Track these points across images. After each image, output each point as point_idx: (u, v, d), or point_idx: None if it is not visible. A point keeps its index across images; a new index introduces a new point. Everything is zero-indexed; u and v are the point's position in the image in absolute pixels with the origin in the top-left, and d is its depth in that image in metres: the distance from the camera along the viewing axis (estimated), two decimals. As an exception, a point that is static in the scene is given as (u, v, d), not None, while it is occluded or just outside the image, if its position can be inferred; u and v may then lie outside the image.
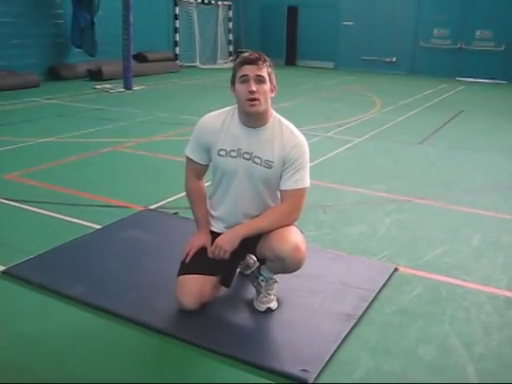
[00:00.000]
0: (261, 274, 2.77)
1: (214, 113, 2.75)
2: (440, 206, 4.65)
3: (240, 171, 2.63)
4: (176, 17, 15.83)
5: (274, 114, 2.69)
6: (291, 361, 2.35)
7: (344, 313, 2.75)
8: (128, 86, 10.92)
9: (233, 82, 2.59)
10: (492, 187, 5.26)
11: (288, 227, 2.62)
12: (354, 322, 2.68)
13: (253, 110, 2.52)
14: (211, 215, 2.82)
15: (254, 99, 2.49)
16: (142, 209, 4.21)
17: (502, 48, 15.63)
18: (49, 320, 2.69)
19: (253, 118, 2.58)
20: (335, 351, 2.46)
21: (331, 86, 13.40)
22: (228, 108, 2.73)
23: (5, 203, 4.29)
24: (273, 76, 2.60)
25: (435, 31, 16.56)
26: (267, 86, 2.54)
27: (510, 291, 3.16)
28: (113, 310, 2.70)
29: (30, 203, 4.28)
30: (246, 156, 2.62)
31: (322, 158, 6.10)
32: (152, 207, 4.27)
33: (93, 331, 2.60)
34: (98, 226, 3.79)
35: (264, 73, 2.53)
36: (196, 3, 16.43)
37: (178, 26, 15.92)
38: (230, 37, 18.34)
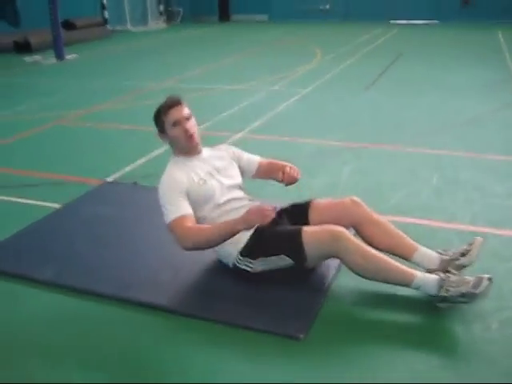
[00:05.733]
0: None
1: (168, 172, 2.67)
2: (396, 150, 4.72)
3: (222, 186, 2.70)
4: (100, -22, 15.14)
5: None
6: (282, 319, 2.35)
7: (324, 262, 2.75)
8: (60, 56, 10.42)
9: (162, 131, 2.70)
10: (443, 127, 5.38)
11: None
12: (334, 271, 2.70)
13: (195, 143, 2.71)
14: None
15: (192, 135, 2.67)
16: (99, 182, 4.07)
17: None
18: (22, 307, 2.58)
19: (196, 148, 2.75)
20: (322, 303, 2.48)
21: (269, 39, 13.24)
22: (170, 163, 2.73)
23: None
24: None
25: (365, -24, 16.56)
26: (194, 120, 2.72)
27: (475, 226, 3.27)
28: (87, 289, 2.61)
29: (-22, 188, 4.05)
30: (214, 173, 2.73)
31: (272, 112, 6.06)
32: (109, 179, 4.14)
33: (70, 312, 2.51)
34: (57, 205, 3.64)
35: (188, 110, 2.71)
36: (120, -38, 15.72)
37: (103, -13, 15.26)
38: (160, -5, 17.73)
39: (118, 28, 15.52)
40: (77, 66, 9.84)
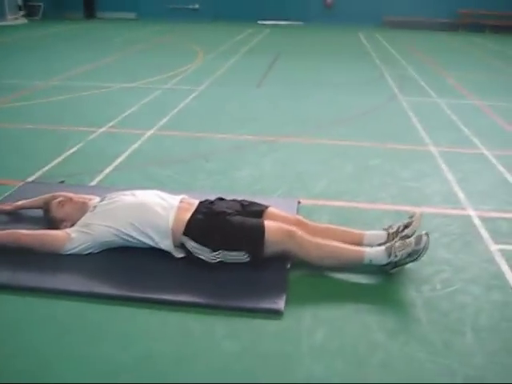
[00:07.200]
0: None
1: None
2: (304, 142, 5.06)
3: None
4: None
5: None
6: (259, 297, 2.53)
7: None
8: None
9: (58, 223, 3.05)
10: (340, 119, 5.83)
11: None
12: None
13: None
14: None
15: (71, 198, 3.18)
16: (18, 183, 3.88)
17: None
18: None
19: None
20: (287, 278, 2.69)
21: (144, 37, 13.11)
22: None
23: None
24: None
25: (232, -22, 17.04)
26: None
27: (396, 205, 3.68)
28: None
29: None
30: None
31: (175, 110, 6.12)
32: (31, 180, 3.97)
33: None
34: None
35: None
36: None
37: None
38: (18, -11, 16.67)
39: (-28, 22, 14.41)
40: None
